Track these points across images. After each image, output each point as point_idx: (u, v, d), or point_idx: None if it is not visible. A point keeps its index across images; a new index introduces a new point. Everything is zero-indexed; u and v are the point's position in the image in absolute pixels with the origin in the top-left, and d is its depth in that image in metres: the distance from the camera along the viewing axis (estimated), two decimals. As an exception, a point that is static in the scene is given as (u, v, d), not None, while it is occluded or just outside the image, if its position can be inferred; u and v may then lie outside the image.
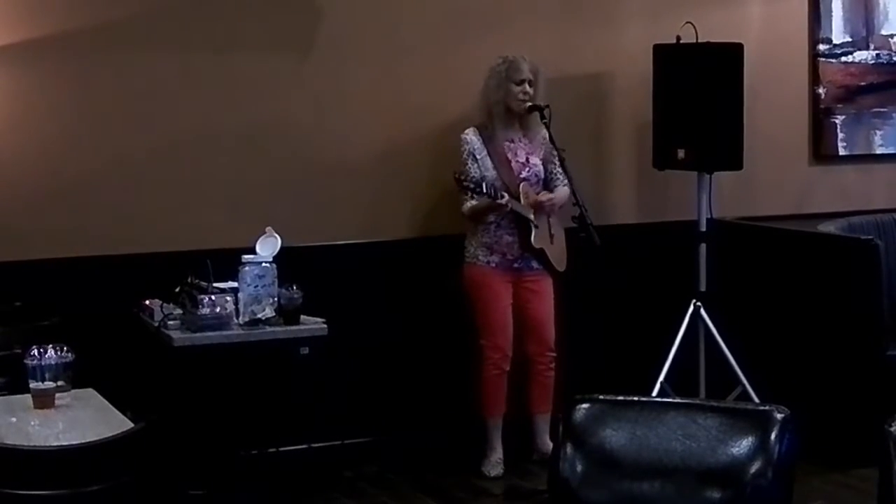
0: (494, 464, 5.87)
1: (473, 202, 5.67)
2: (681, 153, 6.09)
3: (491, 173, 5.76)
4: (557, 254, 5.90)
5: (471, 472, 5.87)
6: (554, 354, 5.92)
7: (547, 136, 5.80)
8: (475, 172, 5.73)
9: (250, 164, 5.85)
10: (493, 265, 5.81)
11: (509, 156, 5.83)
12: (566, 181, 5.83)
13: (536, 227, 5.77)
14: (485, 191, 5.57)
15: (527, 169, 5.85)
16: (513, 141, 5.86)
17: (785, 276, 6.31)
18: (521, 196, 5.77)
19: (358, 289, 5.99)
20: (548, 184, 5.92)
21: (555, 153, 5.77)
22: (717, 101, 6.05)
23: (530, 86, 5.77)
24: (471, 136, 5.81)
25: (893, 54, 7.12)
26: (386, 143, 6.09)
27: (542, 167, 5.88)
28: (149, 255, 5.60)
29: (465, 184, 5.55)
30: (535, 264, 5.85)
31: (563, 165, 5.78)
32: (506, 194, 5.64)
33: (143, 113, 5.67)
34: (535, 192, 5.85)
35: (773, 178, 6.87)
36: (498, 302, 5.82)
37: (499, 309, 5.83)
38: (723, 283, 6.28)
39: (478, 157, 5.79)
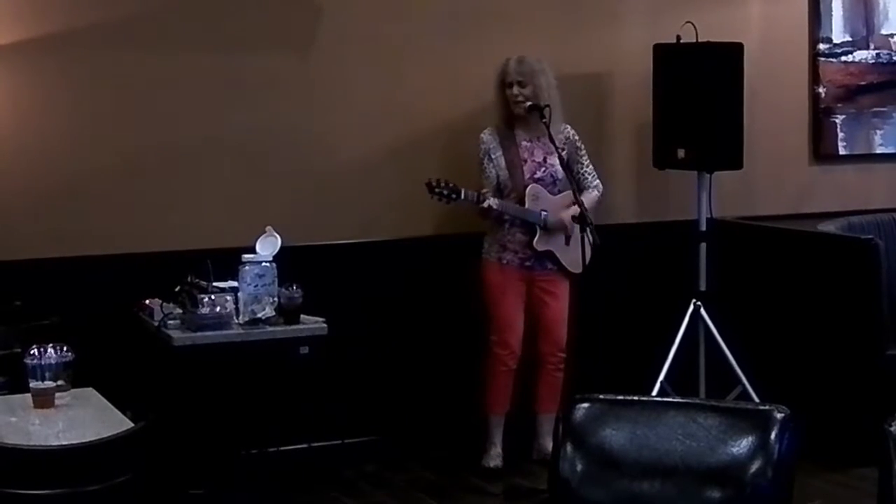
0: (494, 456, 5.87)
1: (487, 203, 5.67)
2: (681, 153, 6.09)
3: (503, 173, 5.77)
4: (572, 255, 5.85)
5: (471, 472, 5.87)
6: (564, 355, 5.91)
7: (570, 135, 5.85)
8: (491, 172, 5.76)
9: (250, 164, 5.85)
10: (506, 262, 5.82)
11: (525, 156, 5.82)
12: (597, 182, 5.90)
13: (542, 228, 5.77)
14: (464, 196, 5.58)
15: (542, 169, 5.83)
16: (530, 141, 5.86)
17: (785, 275, 6.31)
18: (528, 199, 5.76)
19: (358, 289, 5.99)
20: (572, 184, 5.84)
21: (581, 151, 5.86)
22: (717, 101, 6.05)
23: (521, 87, 5.76)
24: (487, 136, 5.83)
25: (893, 54, 7.12)
26: (386, 143, 6.09)
27: (559, 168, 5.84)
28: (149, 255, 5.60)
29: (437, 191, 5.56)
30: (549, 264, 5.85)
31: (563, 165, 5.78)
32: (488, 198, 5.63)
33: (143, 112, 5.67)
34: (551, 192, 5.83)
35: (773, 177, 6.87)
36: (509, 299, 5.82)
37: (509, 306, 5.82)
38: (723, 282, 6.28)
39: (493, 156, 5.80)
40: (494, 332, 5.84)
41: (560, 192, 5.85)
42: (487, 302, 5.86)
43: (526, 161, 5.82)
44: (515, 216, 5.74)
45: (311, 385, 5.49)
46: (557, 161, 5.81)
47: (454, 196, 5.58)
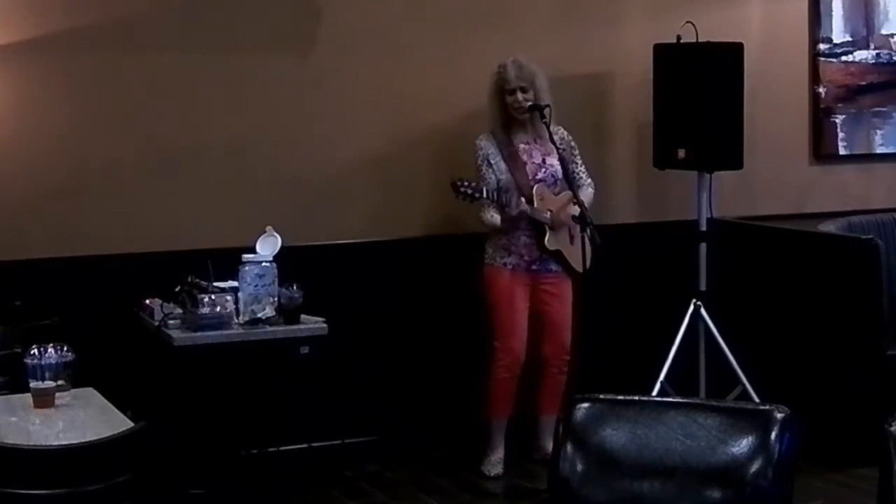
0: (494, 463, 5.86)
1: (494, 218, 5.66)
2: (681, 153, 6.09)
3: (505, 177, 5.74)
4: (577, 254, 5.83)
5: (471, 472, 5.87)
6: (568, 357, 5.88)
7: (564, 135, 5.83)
8: (490, 177, 5.71)
9: (250, 164, 5.85)
10: (511, 267, 5.78)
11: (524, 158, 5.80)
12: (590, 180, 5.87)
13: (551, 228, 5.76)
14: (486, 196, 5.56)
15: (543, 170, 5.82)
16: (528, 143, 5.84)
17: (785, 275, 6.31)
18: (536, 198, 5.74)
19: (358, 289, 5.99)
20: (570, 184, 5.85)
21: (574, 151, 5.83)
22: (717, 101, 6.05)
23: (524, 92, 5.74)
24: (484, 142, 5.79)
25: (893, 54, 7.12)
26: (386, 143, 6.09)
27: (559, 167, 5.83)
28: (149, 255, 5.60)
29: (462, 190, 5.52)
30: (553, 266, 5.82)
31: (563, 164, 5.77)
32: (513, 199, 5.61)
33: (143, 112, 5.67)
34: (553, 192, 5.83)
35: (774, 177, 6.88)
36: (514, 304, 5.79)
37: (514, 311, 5.79)
38: (723, 282, 6.28)
39: (492, 161, 5.75)
40: (498, 337, 5.80)
41: (560, 191, 5.85)
42: (492, 308, 5.81)
43: (526, 163, 5.81)
44: (533, 217, 5.71)
45: (311, 385, 5.49)
46: (556, 161, 5.80)
47: (478, 195, 5.56)
